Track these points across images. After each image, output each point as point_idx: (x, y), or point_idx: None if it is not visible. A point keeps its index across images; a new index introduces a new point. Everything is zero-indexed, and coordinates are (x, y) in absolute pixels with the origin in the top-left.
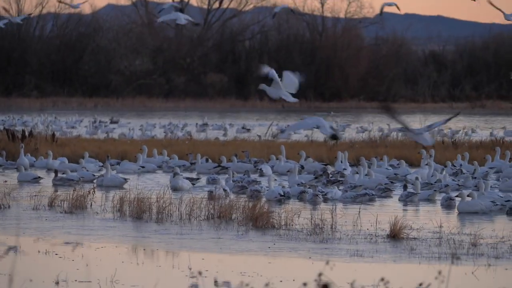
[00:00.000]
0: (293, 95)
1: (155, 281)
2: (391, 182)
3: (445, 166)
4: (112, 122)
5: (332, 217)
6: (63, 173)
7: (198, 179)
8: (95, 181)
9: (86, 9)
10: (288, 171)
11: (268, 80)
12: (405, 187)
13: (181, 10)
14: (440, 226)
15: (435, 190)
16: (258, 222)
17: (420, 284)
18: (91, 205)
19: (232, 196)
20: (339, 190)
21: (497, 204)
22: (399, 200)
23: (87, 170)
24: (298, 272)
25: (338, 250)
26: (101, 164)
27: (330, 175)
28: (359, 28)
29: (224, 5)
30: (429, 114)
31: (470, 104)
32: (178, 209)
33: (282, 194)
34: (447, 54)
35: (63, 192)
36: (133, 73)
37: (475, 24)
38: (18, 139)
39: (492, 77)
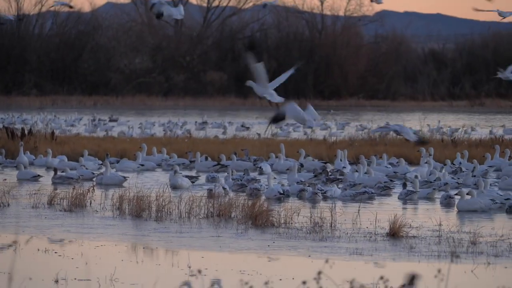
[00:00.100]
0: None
1: (154, 279)
2: (391, 180)
3: (445, 165)
4: (111, 120)
5: (331, 215)
6: (63, 171)
7: (197, 177)
8: (94, 179)
9: (86, 7)
10: (287, 169)
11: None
12: (404, 185)
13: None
14: (440, 224)
15: (434, 189)
16: (258, 220)
17: (403, 286)
18: (90, 203)
19: (231, 194)
20: (339, 188)
21: (496, 202)
22: (398, 198)
23: (87, 168)
24: (298, 271)
25: (337, 248)
26: (100, 162)
27: (330, 173)
28: (359, 26)
29: (224, 3)
30: (428, 112)
31: (469, 102)
32: (178, 207)
33: (282, 192)
34: (446, 52)
35: (62, 190)
36: (132, 71)
37: (474, 22)
38: (18, 137)
39: (491, 75)
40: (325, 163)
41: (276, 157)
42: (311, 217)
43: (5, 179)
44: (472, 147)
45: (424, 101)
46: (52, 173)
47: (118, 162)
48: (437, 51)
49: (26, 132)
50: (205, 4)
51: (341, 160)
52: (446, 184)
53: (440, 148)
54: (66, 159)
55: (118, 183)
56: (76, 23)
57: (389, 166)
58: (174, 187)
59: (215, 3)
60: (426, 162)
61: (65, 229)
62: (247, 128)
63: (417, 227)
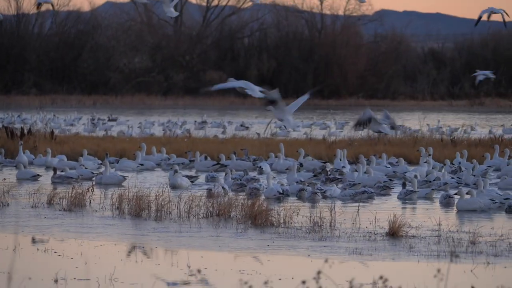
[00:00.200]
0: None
1: (154, 279)
2: (390, 180)
3: (444, 164)
4: (110, 120)
5: (331, 215)
6: (62, 171)
7: (197, 177)
8: (94, 179)
9: (85, 7)
10: (287, 169)
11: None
12: (404, 185)
13: None
14: (439, 224)
15: (432, 189)
16: (257, 220)
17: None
18: (90, 203)
19: (231, 194)
20: (338, 188)
21: (496, 202)
22: (398, 198)
23: (86, 168)
24: (297, 270)
25: (337, 248)
26: (100, 162)
27: (329, 173)
28: (358, 25)
29: (223, 3)
30: (428, 112)
31: (469, 101)
32: (177, 207)
33: (281, 192)
34: (446, 52)
35: (62, 190)
36: (132, 70)
37: (474, 22)
38: (17, 136)
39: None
40: (325, 162)
41: (276, 156)
42: (310, 216)
43: (4, 179)
44: (472, 147)
45: (423, 100)
46: (51, 172)
47: (117, 161)
48: (437, 50)
49: (25, 131)
50: (204, 4)
51: (340, 160)
52: (445, 184)
53: (440, 148)
54: (65, 159)
55: (117, 182)
56: (75, 23)
57: (389, 165)
58: (174, 186)
59: (215, 3)
60: (425, 162)
61: (64, 229)
62: (247, 128)
63: (416, 226)
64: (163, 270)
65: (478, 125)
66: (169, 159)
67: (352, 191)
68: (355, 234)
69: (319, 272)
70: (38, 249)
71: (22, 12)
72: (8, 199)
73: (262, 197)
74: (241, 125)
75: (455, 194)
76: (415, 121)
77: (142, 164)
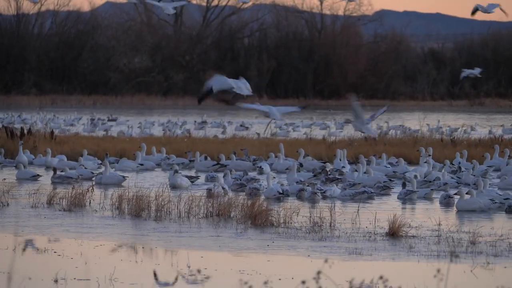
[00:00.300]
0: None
1: (153, 279)
2: (390, 180)
3: (444, 164)
4: (109, 120)
5: (330, 215)
6: (62, 171)
7: (197, 177)
8: (93, 179)
9: (85, 7)
10: (287, 169)
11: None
12: (404, 185)
13: None
14: (439, 224)
15: (432, 189)
16: (257, 220)
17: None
18: (89, 203)
19: (231, 194)
20: (338, 188)
21: (495, 202)
22: (397, 198)
23: (86, 168)
24: (297, 270)
25: (336, 248)
26: (100, 162)
27: (329, 173)
28: (358, 25)
29: (223, 3)
30: (428, 112)
31: (469, 101)
32: (177, 207)
33: (281, 192)
34: (446, 52)
35: (61, 190)
36: (132, 70)
37: (474, 22)
38: (17, 136)
39: (491, 74)
40: (325, 162)
41: (276, 156)
42: (310, 216)
43: (4, 179)
44: (472, 147)
45: (423, 100)
46: (51, 172)
47: (117, 161)
48: (437, 50)
49: (25, 131)
50: (204, 4)
51: (340, 160)
52: (445, 184)
53: (440, 148)
54: (65, 159)
55: (117, 182)
56: (75, 23)
57: (389, 165)
58: (174, 186)
59: (215, 3)
60: (425, 162)
61: (64, 229)
62: (247, 128)
63: (416, 226)
64: (163, 270)
65: (478, 125)
66: (169, 159)
67: (352, 191)
68: (355, 234)
69: (319, 272)
70: (38, 249)
71: (22, 12)
72: (8, 199)
73: (262, 197)
74: (241, 125)
75: (455, 194)
76: (415, 121)
77: (142, 164)
